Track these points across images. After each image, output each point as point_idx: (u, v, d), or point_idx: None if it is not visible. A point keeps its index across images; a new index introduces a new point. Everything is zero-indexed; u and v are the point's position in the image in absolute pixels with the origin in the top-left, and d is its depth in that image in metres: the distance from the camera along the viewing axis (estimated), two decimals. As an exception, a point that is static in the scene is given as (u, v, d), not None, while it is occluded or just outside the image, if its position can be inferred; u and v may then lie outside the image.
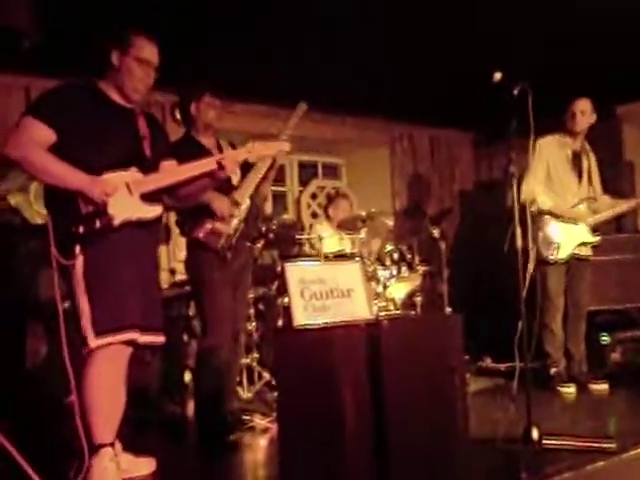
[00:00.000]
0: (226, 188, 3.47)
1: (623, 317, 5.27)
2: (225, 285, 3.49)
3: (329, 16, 4.22)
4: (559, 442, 2.96)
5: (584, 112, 4.45)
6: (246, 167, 3.57)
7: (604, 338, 4.88)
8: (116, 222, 2.69)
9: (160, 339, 2.90)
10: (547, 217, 4.45)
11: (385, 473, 2.37)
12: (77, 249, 2.65)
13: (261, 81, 5.10)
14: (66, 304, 2.75)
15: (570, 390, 4.37)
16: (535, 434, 2.97)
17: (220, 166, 2.95)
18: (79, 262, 2.66)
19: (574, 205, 4.49)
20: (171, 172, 2.94)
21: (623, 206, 4.62)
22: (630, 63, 5.15)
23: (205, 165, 2.96)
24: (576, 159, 4.56)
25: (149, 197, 2.80)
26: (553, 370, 4.46)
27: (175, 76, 3.33)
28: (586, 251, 4.55)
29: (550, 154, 4.49)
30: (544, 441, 2.96)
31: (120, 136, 2.81)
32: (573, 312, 4.53)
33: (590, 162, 4.64)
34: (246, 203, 3.54)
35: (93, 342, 2.65)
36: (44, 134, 2.67)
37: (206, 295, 3.50)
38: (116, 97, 2.87)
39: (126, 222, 2.72)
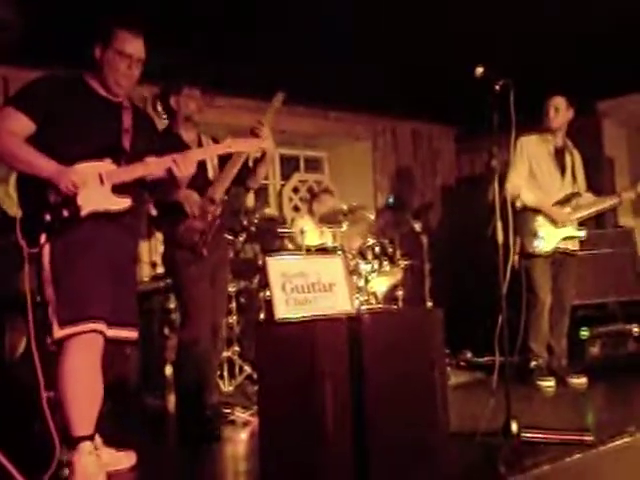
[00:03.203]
0: (202, 183, 3.44)
1: (601, 311, 5.33)
2: (202, 278, 3.48)
3: (313, 11, 4.21)
4: (538, 435, 2.99)
5: (558, 109, 4.49)
6: (225, 161, 3.55)
7: (583, 332, 4.92)
8: (83, 212, 2.68)
9: (132, 334, 2.89)
10: (532, 211, 4.48)
11: (365, 466, 2.37)
12: (43, 237, 2.64)
13: (244, 75, 5.08)
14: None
15: (550, 384, 4.41)
16: (514, 427, 3.00)
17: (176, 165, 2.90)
18: (46, 251, 2.65)
19: (558, 201, 4.52)
20: (142, 165, 2.88)
21: (605, 203, 4.66)
22: (610, 58, 5.19)
23: (161, 163, 2.89)
24: (558, 155, 4.60)
25: (120, 189, 2.79)
26: (533, 364, 4.50)
27: (159, 70, 3.31)
28: (572, 245, 4.58)
29: (532, 151, 4.53)
30: (523, 434, 2.99)
31: (99, 128, 2.80)
32: (557, 307, 4.55)
33: (574, 158, 4.67)
34: (221, 198, 3.50)
35: (57, 332, 2.64)
36: (22, 124, 2.67)
37: (183, 289, 3.50)
38: (102, 91, 2.87)
39: (94, 213, 2.71)
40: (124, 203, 2.82)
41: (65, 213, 2.66)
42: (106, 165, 2.76)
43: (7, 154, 2.68)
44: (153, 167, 2.89)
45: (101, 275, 2.73)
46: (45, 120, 2.69)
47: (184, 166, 2.90)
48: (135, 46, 2.83)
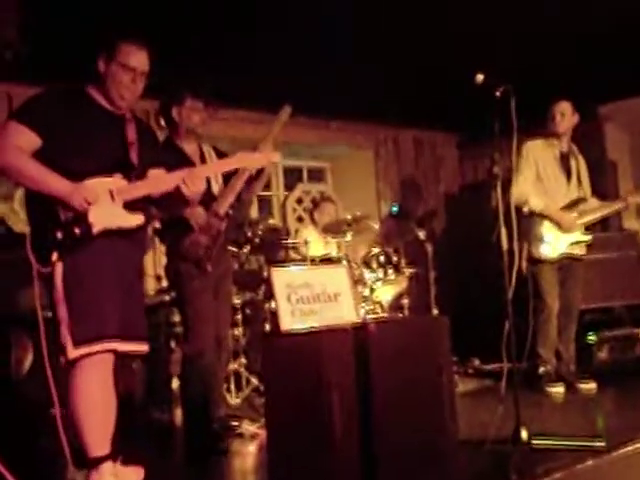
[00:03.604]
0: (207, 198, 3.43)
1: (608, 315, 5.30)
2: (206, 292, 3.47)
3: (314, 21, 4.22)
4: (548, 442, 2.97)
5: (564, 114, 4.48)
6: (229, 175, 3.54)
7: (590, 337, 4.90)
8: (95, 230, 2.64)
9: (143, 348, 2.85)
10: (539, 217, 4.46)
11: (374, 476, 2.36)
12: (54, 256, 2.59)
13: (247, 87, 5.09)
14: (50, 313, 2.71)
15: (558, 390, 4.38)
16: (524, 434, 2.98)
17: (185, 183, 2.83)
18: (58, 269, 2.61)
19: (564, 206, 4.50)
20: (152, 181, 2.86)
21: (611, 208, 4.64)
22: (611, 61, 5.19)
23: (171, 181, 2.85)
24: (564, 160, 4.58)
25: (132, 205, 2.75)
26: (541, 370, 4.47)
27: (161, 83, 3.32)
28: (579, 250, 4.55)
29: (538, 156, 4.51)
30: (533, 441, 2.97)
31: (105, 142, 2.77)
32: (565, 312, 4.52)
33: (579, 163, 4.66)
34: (226, 212, 3.50)
35: (71, 352, 2.60)
36: (27, 139, 2.63)
37: (187, 303, 3.49)
38: (105, 103, 2.83)
39: (106, 230, 2.67)
40: (137, 220, 2.78)
41: (77, 231, 2.61)
42: (116, 181, 2.72)
43: (14, 170, 2.63)
44: (162, 184, 2.86)
45: (113, 292, 2.69)
46: (49, 134, 2.65)
47: (192, 184, 2.85)
48: (139, 59, 2.80)
